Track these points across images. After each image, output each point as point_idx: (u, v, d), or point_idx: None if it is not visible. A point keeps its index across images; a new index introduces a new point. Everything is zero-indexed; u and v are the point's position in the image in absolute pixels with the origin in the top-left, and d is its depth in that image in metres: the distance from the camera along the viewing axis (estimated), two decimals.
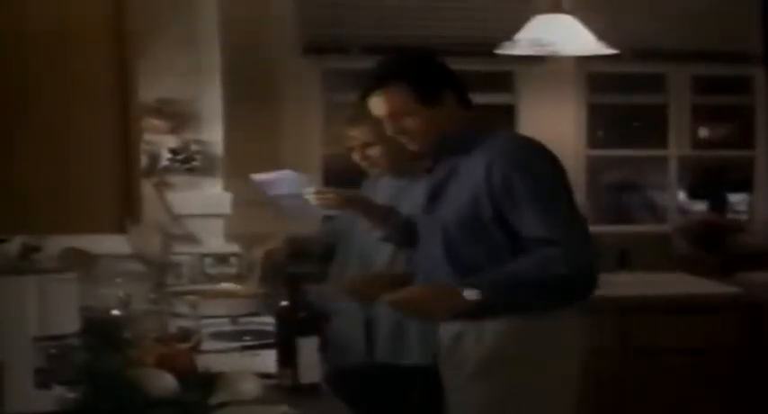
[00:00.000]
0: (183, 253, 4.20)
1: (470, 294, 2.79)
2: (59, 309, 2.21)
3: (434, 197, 3.02)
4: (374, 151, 3.57)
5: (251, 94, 4.77)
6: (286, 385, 2.61)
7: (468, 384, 2.95)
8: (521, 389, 2.90)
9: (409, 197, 3.51)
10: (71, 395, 2.24)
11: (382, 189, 3.65)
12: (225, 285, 3.94)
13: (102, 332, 2.60)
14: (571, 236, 2.82)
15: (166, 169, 4.28)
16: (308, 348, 2.65)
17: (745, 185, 5.72)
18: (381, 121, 3.10)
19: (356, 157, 3.64)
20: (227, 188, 4.44)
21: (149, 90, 4.00)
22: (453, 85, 3.00)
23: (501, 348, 2.90)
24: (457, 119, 2.98)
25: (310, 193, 3.43)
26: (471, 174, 2.89)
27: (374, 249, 3.61)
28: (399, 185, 3.61)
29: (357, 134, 3.59)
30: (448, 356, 3.03)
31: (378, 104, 2.97)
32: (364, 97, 3.00)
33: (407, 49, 3.10)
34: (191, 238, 4.28)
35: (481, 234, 2.89)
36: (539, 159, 2.92)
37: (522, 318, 2.87)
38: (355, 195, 3.49)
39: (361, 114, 3.44)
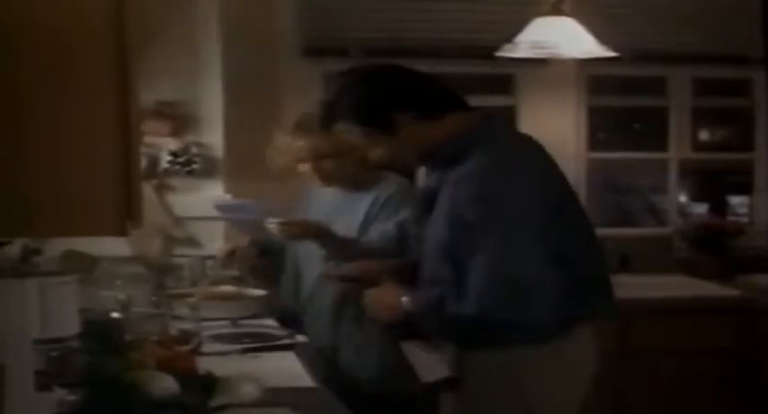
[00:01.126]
0: (183, 255, 4.20)
1: (405, 302, 2.70)
2: (60, 311, 2.20)
3: (426, 209, 2.79)
4: (327, 164, 3.48)
5: (251, 97, 4.76)
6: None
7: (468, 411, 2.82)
8: None
9: (354, 210, 3.52)
10: (71, 398, 2.25)
11: (327, 200, 3.63)
12: (226, 288, 3.93)
13: (102, 335, 2.60)
14: (478, 275, 2.58)
15: (167, 172, 4.29)
16: (413, 352, 2.75)
17: (745, 188, 5.72)
18: (321, 138, 3.16)
19: (306, 168, 3.52)
20: (227, 190, 4.44)
21: (149, 92, 4.00)
22: (408, 102, 2.73)
23: (501, 378, 2.72)
24: (432, 134, 2.73)
25: (273, 224, 3.41)
26: (448, 194, 2.68)
27: (306, 266, 3.63)
28: (350, 196, 3.58)
29: (309, 146, 3.46)
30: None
31: (345, 142, 2.84)
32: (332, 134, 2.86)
33: (348, 77, 2.86)
34: (191, 241, 4.28)
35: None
36: (503, 185, 2.63)
37: (526, 347, 2.67)
38: (317, 227, 3.45)
39: (311, 124, 3.35)
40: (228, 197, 4.02)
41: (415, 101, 2.75)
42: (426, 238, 2.78)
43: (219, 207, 3.77)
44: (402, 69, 2.82)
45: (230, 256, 3.84)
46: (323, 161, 3.48)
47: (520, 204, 2.62)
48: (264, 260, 3.82)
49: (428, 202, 2.78)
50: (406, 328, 2.74)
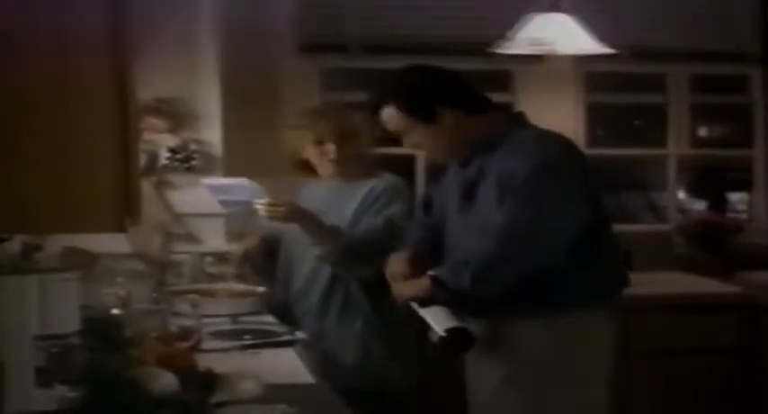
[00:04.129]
0: (183, 252, 4.20)
1: (430, 274, 2.92)
2: (60, 308, 2.21)
3: (468, 197, 3.00)
4: (332, 148, 3.59)
5: (249, 93, 4.76)
6: None
7: (497, 394, 2.99)
8: (552, 391, 2.93)
9: (348, 200, 3.57)
10: (72, 394, 2.25)
11: (320, 194, 3.68)
12: (225, 284, 3.93)
13: (102, 331, 2.60)
14: (516, 229, 2.83)
15: (166, 168, 4.28)
16: (429, 311, 2.92)
17: (744, 185, 5.72)
18: (341, 120, 3.45)
19: (309, 153, 3.64)
20: None
21: (148, 89, 4.00)
22: (451, 99, 3.02)
23: (529, 353, 2.94)
24: (467, 128, 3.01)
25: (260, 204, 3.45)
26: (495, 172, 2.91)
27: (298, 262, 3.67)
28: (344, 187, 3.63)
29: (314, 131, 3.60)
30: (474, 367, 3.10)
31: (385, 123, 3.11)
32: (373, 113, 3.14)
33: (403, 70, 3.19)
34: (191, 237, 4.27)
35: None
36: (556, 151, 2.96)
37: (549, 319, 2.90)
38: (304, 211, 3.53)
39: (323, 110, 3.66)
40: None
41: (459, 98, 3.05)
42: (467, 224, 3.00)
43: (210, 187, 3.80)
44: (449, 71, 3.14)
45: (247, 253, 3.86)
46: (325, 146, 3.58)
47: (571, 170, 2.95)
48: (266, 260, 3.85)
49: (468, 191, 3.01)
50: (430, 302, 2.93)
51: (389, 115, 3.07)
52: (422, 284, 2.94)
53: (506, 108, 3.18)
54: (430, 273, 2.93)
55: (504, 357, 2.97)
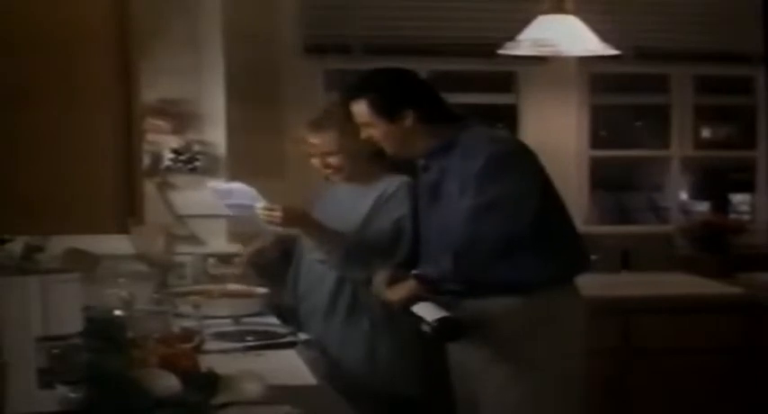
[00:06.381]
0: (185, 253, 4.20)
1: (414, 275, 3.20)
2: (62, 309, 2.21)
3: (433, 198, 3.31)
4: (335, 160, 3.58)
5: (253, 95, 4.76)
6: None
7: (486, 369, 3.23)
8: (537, 363, 3.19)
9: (360, 204, 3.58)
10: (74, 395, 2.25)
11: (339, 197, 3.68)
12: (228, 286, 3.93)
13: (104, 332, 2.61)
14: (484, 205, 3.11)
15: (169, 169, 4.28)
16: (421, 307, 3.17)
17: (747, 186, 5.71)
18: (343, 131, 3.47)
19: (316, 163, 3.64)
20: None
21: (152, 90, 4.00)
22: (417, 104, 3.29)
23: (508, 330, 3.20)
24: (426, 133, 3.29)
25: (258, 208, 3.44)
26: (456, 171, 3.22)
27: (306, 262, 3.66)
28: (358, 190, 3.63)
29: (318, 142, 3.58)
30: (459, 351, 3.31)
31: (353, 112, 3.35)
32: (343, 104, 3.41)
33: (381, 69, 3.53)
34: (193, 239, 4.28)
35: None
36: (496, 147, 3.22)
37: (520, 297, 3.19)
38: (301, 216, 3.51)
39: (323, 122, 3.59)
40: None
41: (424, 105, 3.31)
42: (434, 224, 3.31)
43: (214, 190, 3.80)
44: (421, 79, 3.52)
45: (257, 253, 3.84)
46: (330, 157, 3.58)
47: (521, 158, 3.25)
48: (282, 260, 3.84)
49: (432, 192, 3.31)
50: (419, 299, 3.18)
51: (359, 107, 3.31)
52: (409, 285, 3.19)
53: (463, 116, 3.42)
54: (414, 272, 3.21)
55: (486, 338, 3.21)
